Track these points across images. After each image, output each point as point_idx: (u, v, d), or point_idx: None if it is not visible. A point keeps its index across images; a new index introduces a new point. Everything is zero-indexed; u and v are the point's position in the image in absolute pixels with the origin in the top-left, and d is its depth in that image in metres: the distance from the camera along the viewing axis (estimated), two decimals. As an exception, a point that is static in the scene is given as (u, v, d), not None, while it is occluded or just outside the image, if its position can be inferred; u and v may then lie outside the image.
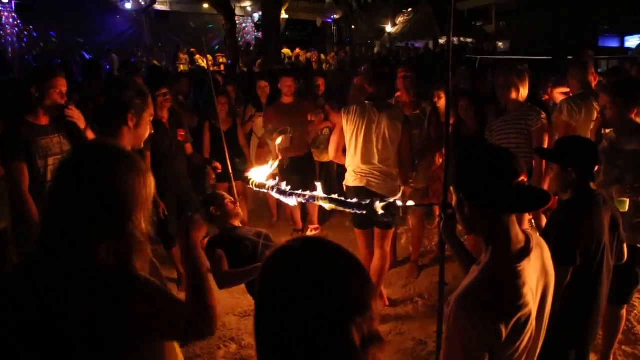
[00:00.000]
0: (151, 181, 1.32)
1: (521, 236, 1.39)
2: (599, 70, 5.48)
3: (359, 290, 0.89)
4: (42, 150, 2.81)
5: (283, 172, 4.68)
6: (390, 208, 1.89)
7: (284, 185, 2.17)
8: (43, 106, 2.83)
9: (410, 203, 2.08)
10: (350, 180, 3.56)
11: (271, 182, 2.23)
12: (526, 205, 1.44)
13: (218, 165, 4.24)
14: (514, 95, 3.57)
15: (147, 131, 2.22)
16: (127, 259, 1.23)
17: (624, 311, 2.85)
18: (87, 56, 13.57)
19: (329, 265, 0.91)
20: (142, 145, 2.31)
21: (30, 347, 1.16)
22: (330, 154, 3.80)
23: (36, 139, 2.80)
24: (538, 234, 1.92)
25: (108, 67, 13.51)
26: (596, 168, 2.17)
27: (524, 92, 3.60)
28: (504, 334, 1.25)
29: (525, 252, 1.36)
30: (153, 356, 1.35)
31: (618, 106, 2.78)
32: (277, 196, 2.19)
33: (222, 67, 13.66)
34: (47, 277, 1.18)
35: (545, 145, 3.48)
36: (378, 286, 3.66)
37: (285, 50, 16.59)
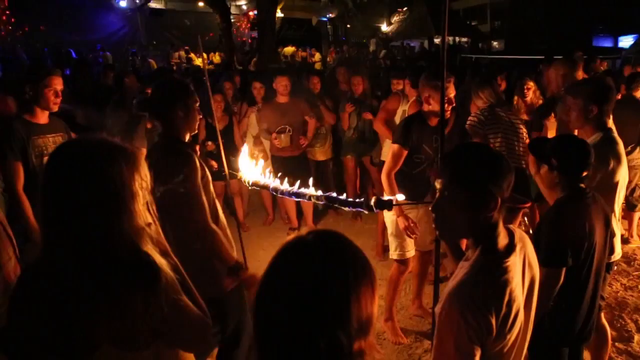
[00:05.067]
0: (146, 172, 1.28)
1: (504, 232, 1.40)
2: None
3: (343, 305, 0.86)
4: (38, 148, 2.79)
5: (277, 172, 4.67)
6: (384, 204, 1.90)
7: (278, 183, 2.17)
8: (39, 105, 2.81)
9: (401, 197, 2.03)
10: None
11: (266, 180, 2.23)
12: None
13: (214, 163, 4.24)
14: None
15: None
16: (137, 249, 1.22)
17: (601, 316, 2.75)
18: (74, 55, 13.33)
19: (321, 273, 0.88)
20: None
21: (52, 343, 1.15)
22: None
23: (32, 137, 2.77)
24: (530, 231, 1.93)
25: (101, 60, 13.41)
26: (584, 174, 2.06)
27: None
28: (495, 328, 1.26)
29: (511, 247, 1.38)
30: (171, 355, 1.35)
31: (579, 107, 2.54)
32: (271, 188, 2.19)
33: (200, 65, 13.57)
34: (63, 271, 1.17)
35: None
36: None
37: (287, 49, 16.61)
